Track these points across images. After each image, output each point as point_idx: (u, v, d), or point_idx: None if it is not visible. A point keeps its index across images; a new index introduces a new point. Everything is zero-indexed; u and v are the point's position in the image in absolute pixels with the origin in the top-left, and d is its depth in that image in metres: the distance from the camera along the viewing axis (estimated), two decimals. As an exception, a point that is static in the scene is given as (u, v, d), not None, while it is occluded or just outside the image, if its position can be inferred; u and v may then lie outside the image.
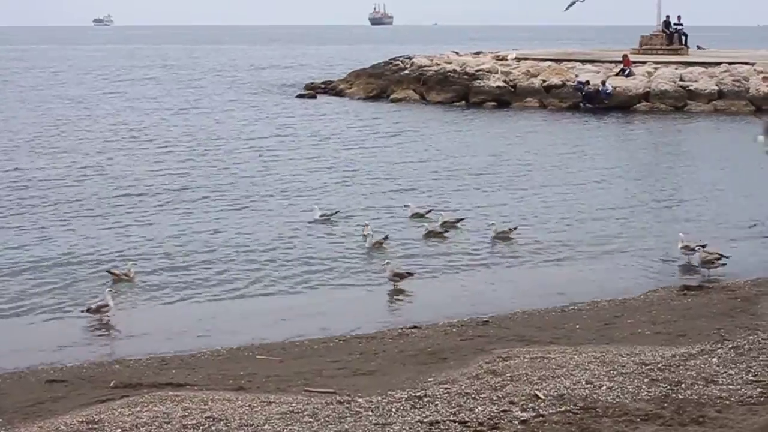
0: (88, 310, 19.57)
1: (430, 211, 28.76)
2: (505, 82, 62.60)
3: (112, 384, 14.21)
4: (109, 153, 41.41)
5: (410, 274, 21.94)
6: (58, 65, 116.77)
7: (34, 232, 26.68)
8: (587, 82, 59.70)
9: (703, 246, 23.44)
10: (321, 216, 27.59)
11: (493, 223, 26.52)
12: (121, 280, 22.18)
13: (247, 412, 11.28)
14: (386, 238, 24.83)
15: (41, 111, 59.24)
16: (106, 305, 19.54)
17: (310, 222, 27.60)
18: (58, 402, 13.39)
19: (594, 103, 58.40)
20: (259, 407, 11.47)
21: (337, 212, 28.27)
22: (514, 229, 26.32)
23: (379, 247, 24.78)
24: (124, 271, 22.39)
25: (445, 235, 26.52)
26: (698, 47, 72.91)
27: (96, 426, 10.99)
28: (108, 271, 22.63)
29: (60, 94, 71.30)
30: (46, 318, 19.65)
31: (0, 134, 46.19)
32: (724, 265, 22.55)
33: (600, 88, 58.48)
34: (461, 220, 27.87)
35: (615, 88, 58.48)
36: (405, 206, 29.50)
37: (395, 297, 21.13)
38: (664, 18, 71.28)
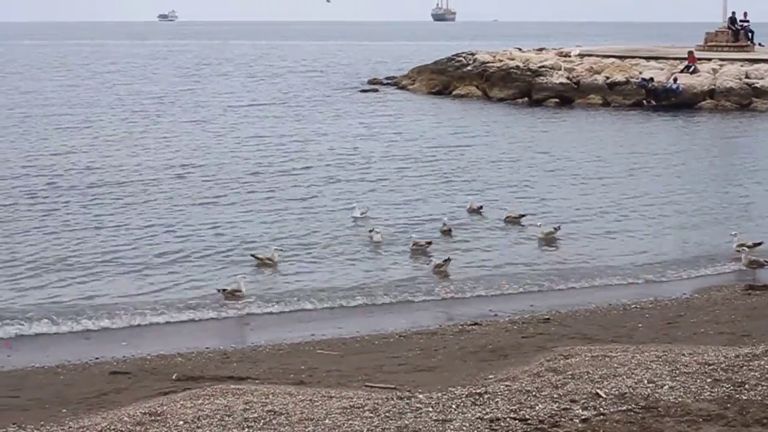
0: (223, 291, 20.31)
1: (481, 207, 28.92)
2: (568, 78, 62.21)
3: (174, 376, 14.35)
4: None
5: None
6: (149, 61, 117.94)
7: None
8: (651, 79, 59.15)
9: (759, 244, 23.27)
10: (361, 214, 27.47)
11: (539, 224, 26.34)
12: (265, 264, 23.01)
13: (307, 406, 11.31)
14: (447, 260, 23.03)
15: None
16: (240, 290, 20.24)
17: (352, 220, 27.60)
18: (121, 393, 13.54)
19: (661, 100, 57.81)
20: (320, 402, 11.50)
21: (368, 209, 28.21)
22: (558, 229, 25.94)
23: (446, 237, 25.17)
24: (268, 255, 23.17)
25: (505, 229, 26.52)
26: (759, 44, 71.78)
27: (158, 418, 11.08)
28: (253, 255, 23.39)
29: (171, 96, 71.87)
30: (110, 310, 19.86)
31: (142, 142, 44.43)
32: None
33: (670, 86, 57.88)
34: (523, 216, 27.75)
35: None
36: (465, 203, 29.61)
37: (455, 294, 21.12)
38: (729, 14, 70.43)
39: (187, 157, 39.15)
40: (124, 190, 31.99)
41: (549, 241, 25.66)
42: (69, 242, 25.12)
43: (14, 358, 16.93)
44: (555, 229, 25.89)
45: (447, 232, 26.03)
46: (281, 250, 23.87)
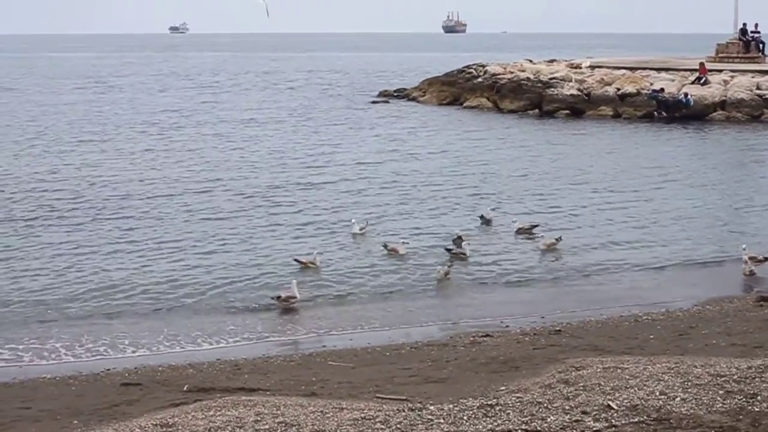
0: (277, 299, 20.56)
1: (494, 209, 28.93)
2: (579, 90, 62.19)
3: (185, 388, 14.36)
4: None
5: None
6: (159, 73, 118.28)
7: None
8: (662, 90, 59.09)
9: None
10: (360, 230, 27.25)
11: (515, 221, 27.50)
12: (308, 267, 23.42)
13: (319, 417, 11.30)
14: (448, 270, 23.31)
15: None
16: (294, 296, 20.50)
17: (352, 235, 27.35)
18: (132, 405, 13.55)
19: (672, 111, 57.72)
20: (331, 413, 11.49)
21: (367, 224, 27.94)
22: (560, 239, 26.01)
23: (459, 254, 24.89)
24: (310, 260, 23.63)
25: (516, 242, 26.53)
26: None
27: (170, 429, 11.08)
28: (296, 260, 23.83)
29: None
30: (126, 321, 19.92)
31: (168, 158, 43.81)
32: None
33: (681, 98, 57.80)
34: (536, 226, 27.87)
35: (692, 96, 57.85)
36: (492, 209, 29.80)
37: (467, 305, 21.13)
38: (740, 26, 70.31)
39: (211, 170, 39.30)
40: (149, 203, 32.03)
41: (552, 251, 25.69)
42: (96, 255, 25.27)
43: (26, 368, 16.97)
44: (557, 240, 25.94)
45: (458, 240, 26.17)
46: (322, 253, 24.30)
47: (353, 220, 27.65)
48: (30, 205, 31.34)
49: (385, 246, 24.98)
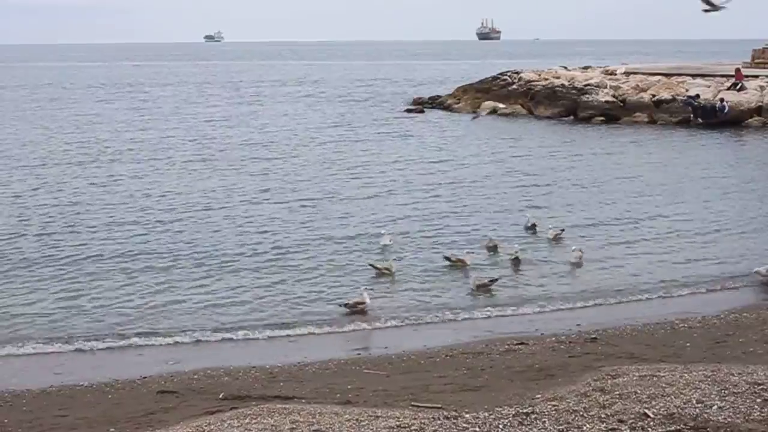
0: (345, 305, 20.78)
1: (534, 225, 28.85)
2: (614, 96, 62.03)
3: (221, 396, 14.40)
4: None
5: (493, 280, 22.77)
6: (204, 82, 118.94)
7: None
8: (697, 96, 58.80)
9: None
10: (390, 241, 26.97)
11: (549, 227, 28.14)
12: (383, 273, 23.64)
13: (354, 426, 11.30)
14: (493, 280, 23.35)
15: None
16: (363, 302, 20.73)
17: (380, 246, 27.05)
18: (168, 413, 13.61)
19: (707, 117, 57.39)
20: (367, 421, 11.49)
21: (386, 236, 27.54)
22: (563, 230, 27.75)
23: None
24: (385, 265, 23.87)
25: (551, 250, 26.51)
26: None
27: (206, 437, 11.14)
28: (371, 265, 24.10)
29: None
30: (155, 329, 20.02)
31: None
32: None
33: (717, 105, 57.47)
34: (563, 230, 28.21)
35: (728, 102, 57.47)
36: (524, 215, 29.82)
37: (500, 313, 21.08)
38: (777, 31, 69.81)
39: (264, 180, 39.31)
40: (207, 213, 32.11)
41: (557, 241, 26.94)
42: (157, 266, 25.32)
43: (63, 376, 17.07)
44: (561, 230, 27.65)
45: (493, 249, 26.10)
46: (397, 260, 24.58)
47: (383, 232, 27.52)
48: (92, 216, 31.42)
49: (449, 258, 24.79)
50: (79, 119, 67.21)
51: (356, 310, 20.73)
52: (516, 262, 25.09)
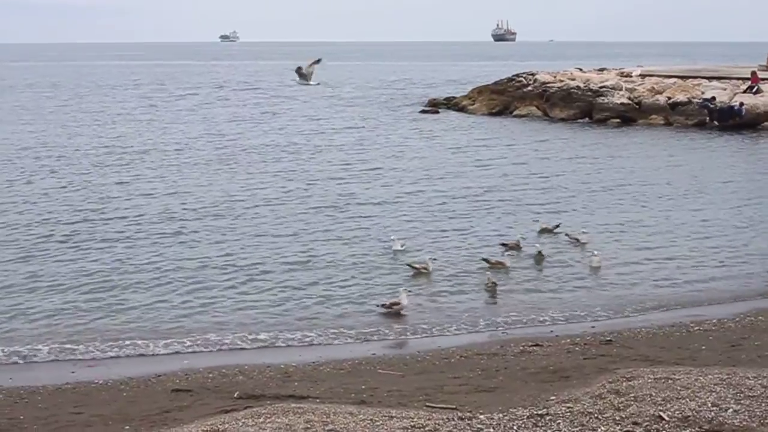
0: (382, 306, 20.92)
1: (557, 226, 28.85)
2: (629, 98, 61.95)
3: (236, 395, 14.43)
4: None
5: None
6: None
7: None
8: (713, 98, 58.67)
9: None
10: (401, 246, 26.73)
11: (537, 220, 29.13)
12: (421, 272, 23.83)
13: (368, 426, 11.32)
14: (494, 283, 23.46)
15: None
16: (399, 302, 20.80)
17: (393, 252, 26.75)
18: (183, 411, 13.64)
19: (723, 120, 57.25)
20: (381, 422, 11.50)
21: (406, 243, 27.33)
22: (558, 226, 28.64)
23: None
24: (423, 265, 24.07)
25: (567, 252, 26.47)
26: None
27: (220, 436, 11.16)
28: (409, 265, 24.31)
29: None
30: (173, 326, 20.07)
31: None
32: None
33: (735, 107, 57.32)
34: (558, 226, 28.90)
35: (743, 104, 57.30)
36: (535, 221, 29.77)
37: (514, 313, 21.07)
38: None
39: (286, 181, 39.27)
40: (228, 212, 32.15)
41: (581, 244, 27.03)
42: (191, 263, 25.51)
43: (78, 374, 17.13)
44: (555, 226, 28.59)
45: (515, 248, 26.35)
46: (435, 259, 24.70)
47: (394, 237, 27.31)
48: (117, 217, 31.43)
49: (488, 261, 24.76)
50: (107, 118, 67.62)
51: (392, 311, 20.79)
52: (540, 258, 25.54)
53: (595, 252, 25.42)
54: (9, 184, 37.65)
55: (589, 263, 25.09)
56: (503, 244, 26.56)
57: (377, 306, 21.08)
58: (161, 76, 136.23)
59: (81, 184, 38.01)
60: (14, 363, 18.02)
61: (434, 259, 24.67)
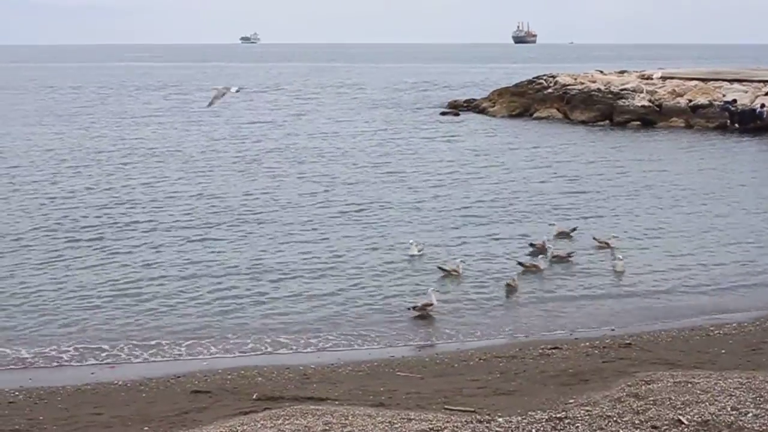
0: (413, 308, 20.96)
1: (574, 230, 28.81)
2: (650, 101, 61.75)
3: (255, 396, 14.46)
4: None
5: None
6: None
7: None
8: (734, 101, 58.43)
9: None
10: (418, 251, 26.61)
11: (552, 224, 29.16)
12: (450, 275, 23.99)
13: (387, 428, 11.31)
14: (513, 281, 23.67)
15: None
16: (431, 303, 20.90)
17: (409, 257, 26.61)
18: (202, 412, 13.68)
19: (744, 123, 57.00)
20: (399, 424, 11.50)
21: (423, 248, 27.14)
22: (574, 229, 28.89)
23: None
24: (453, 267, 24.22)
25: (588, 255, 26.42)
26: None
27: (239, 437, 11.18)
28: (440, 267, 24.47)
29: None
30: (195, 327, 20.12)
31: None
32: None
33: (757, 110, 57.07)
34: (575, 229, 29.13)
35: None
36: (551, 224, 29.57)
37: (534, 316, 21.04)
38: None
39: (311, 182, 39.36)
40: (256, 218, 31.99)
41: (608, 248, 26.87)
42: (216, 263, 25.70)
43: (98, 375, 17.19)
44: (572, 229, 28.91)
45: (542, 249, 26.40)
46: (464, 262, 24.82)
47: (411, 241, 27.20)
48: (142, 219, 31.53)
49: (523, 264, 24.90)
50: (130, 120, 67.79)
51: (424, 313, 20.84)
52: (567, 257, 25.83)
53: (619, 256, 25.34)
54: (35, 186, 37.78)
55: (612, 267, 25.01)
56: (531, 245, 26.90)
57: (408, 308, 21.07)
58: (183, 77, 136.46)
59: (106, 184, 38.17)
60: (36, 363, 18.11)
61: (464, 263, 24.69)
